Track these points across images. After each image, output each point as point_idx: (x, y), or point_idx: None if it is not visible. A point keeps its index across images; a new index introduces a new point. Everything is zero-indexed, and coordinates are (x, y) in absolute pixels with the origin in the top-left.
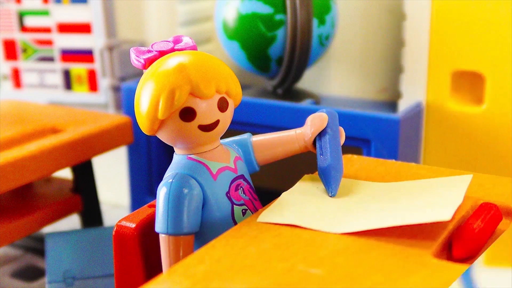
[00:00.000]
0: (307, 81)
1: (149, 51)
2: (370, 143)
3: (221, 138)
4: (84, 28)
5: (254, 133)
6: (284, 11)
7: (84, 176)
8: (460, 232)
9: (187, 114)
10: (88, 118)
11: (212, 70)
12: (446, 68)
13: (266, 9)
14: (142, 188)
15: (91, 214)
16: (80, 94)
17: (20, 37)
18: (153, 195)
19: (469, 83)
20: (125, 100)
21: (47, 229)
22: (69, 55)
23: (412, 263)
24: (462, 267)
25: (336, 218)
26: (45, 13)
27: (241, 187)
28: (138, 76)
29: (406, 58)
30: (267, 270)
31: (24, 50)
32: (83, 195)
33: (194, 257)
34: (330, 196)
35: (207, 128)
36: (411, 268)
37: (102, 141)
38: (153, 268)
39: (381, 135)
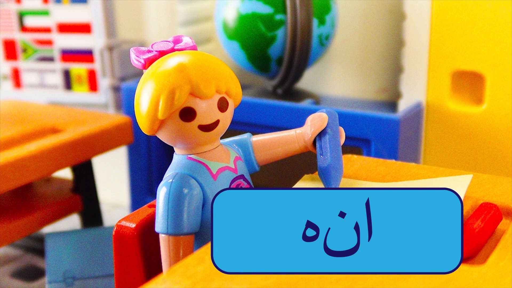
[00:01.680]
0: (307, 81)
1: (149, 51)
2: (370, 143)
3: (221, 138)
4: (84, 28)
5: (254, 133)
6: (284, 11)
7: (84, 176)
8: None
9: (187, 114)
10: (88, 118)
11: (212, 70)
12: (446, 68)
13: (266, 9)
14: (142, 188)
15: (91, 214)
16: (80, 94)
17: (20, 37)
18: (153, 195)
19: (469, 83)
20: (125, 100)
21: (47, 229)
22: (69, 55)
23: None
24: (462, 267)
25: None
26: (45, 13)
27: (241, 187)
28: (138, 76)
29: (406, 58)
30: None
31: (24, 50)
32: (83, 195)
33: (194, 257)
34: None
35: (207, 128)
36: None
37: (102, 141)
38: (153, 268)
39: (381, 135)
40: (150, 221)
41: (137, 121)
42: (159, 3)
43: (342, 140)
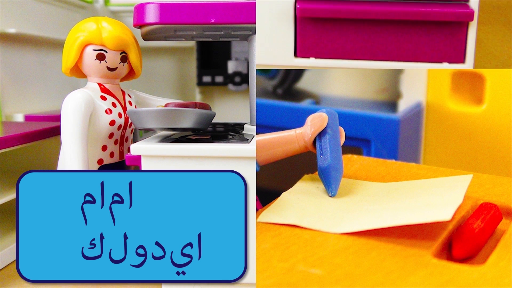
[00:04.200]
0: (307, 81)
1: None
2: (370, 143)
3: None
4: None
5: None
6: None
7: None
8: (460, 232)
9: None
10: None
11: None
12: (446, 68)
13: None
14: None
15: None
16: None
17: None
18: None
19: (469, 83)
20: None
21: None
22: None
23: (412, 263)
24: (462, 267)
25: (336, 218)
26: None
27: None
28: None
29: None
30: (267, 270)
31: None
32: None
33: None
34: (330, 196)
35: None
36: (411, 268)
37: None
38: None
39: (381, 135)
40: None
41: None
42: None
43: (342, 140)
